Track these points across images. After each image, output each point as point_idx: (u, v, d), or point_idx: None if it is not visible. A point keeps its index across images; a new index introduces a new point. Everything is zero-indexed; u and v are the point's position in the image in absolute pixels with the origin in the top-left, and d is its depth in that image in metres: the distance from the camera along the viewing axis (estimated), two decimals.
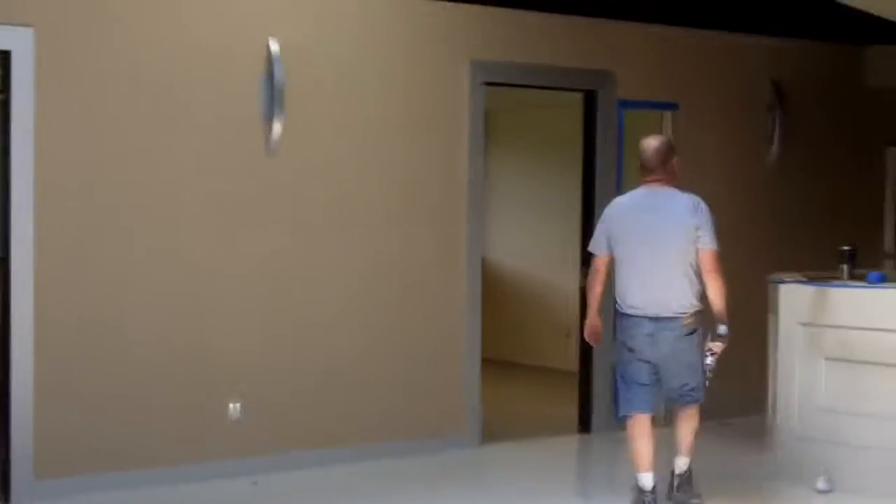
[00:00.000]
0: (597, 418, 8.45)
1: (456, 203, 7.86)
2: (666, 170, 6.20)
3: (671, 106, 8.84)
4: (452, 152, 7.84)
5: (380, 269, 7.59)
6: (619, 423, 6.64)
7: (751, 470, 7.26)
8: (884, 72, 10.07)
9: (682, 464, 6.32)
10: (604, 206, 6.64)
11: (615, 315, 6.36)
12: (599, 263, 6.29)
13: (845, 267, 6.76)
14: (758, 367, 7.55)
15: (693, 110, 8.91)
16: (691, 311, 6.09)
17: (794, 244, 9.20)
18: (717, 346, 6.06)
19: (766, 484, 6.98)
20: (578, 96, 8.57)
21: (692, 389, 6.14)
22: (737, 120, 9.20)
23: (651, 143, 6.31)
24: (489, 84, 7.95)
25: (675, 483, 6.34)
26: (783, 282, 6.85)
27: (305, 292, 7.29)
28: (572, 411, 8.58)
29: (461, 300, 7.88)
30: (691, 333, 6.08)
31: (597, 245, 6.31)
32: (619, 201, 6.39)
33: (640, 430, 6.15)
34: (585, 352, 8.47)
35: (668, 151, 6.25)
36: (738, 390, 7.81)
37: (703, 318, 6.16)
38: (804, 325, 6.74)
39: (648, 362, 6.13)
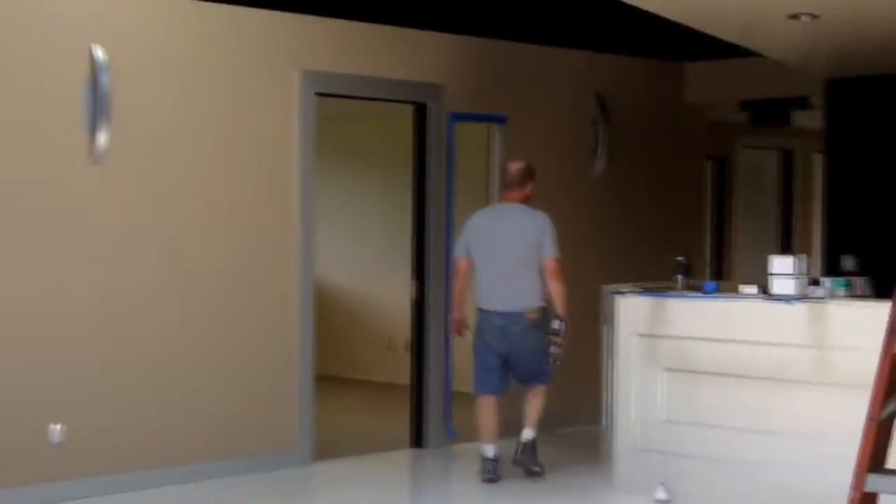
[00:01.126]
0: (430, 433, 8.37)
1: (288, 217, 7.67)
2: (522, 190, 7.36)
3: (500, 119, 8.85)
4: (284, 164, 7.66)
5: (209, 285, 7.35)
6: (453, 437, 8.05)
7: (588, 480, 7.29)
8: (702, 88, 10.32)
9: (527, 434, 7.26)
10: (434, 218, 8.22)
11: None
12: (459, 266, 7.40)
13: (681, 277, 6.84)
14: (591, 378, 7.60)
15: (522, 123, 8.93)
16: (535, 307, 7.17)
17: (621, 255, 9.32)
18: (558, 339, 7.10)
19: (604, 495, 7.00)
20: (410, 108, 8.49)
21: (536, 373, 7.24)
22: (564, 133, 9.28)
23: (514, 165, 7.45)
24: (321, 95, 7.80)
25: (520, 450, 7.25)
26: (620, 293, 6.89)
27: (131, 307, 7.01)
28: (404, 426, 8.48)
29: (294, 315, 7.69)
30: (535, 327, 7.16)
31: (457, 251, 7.46)
32: (478, 214, 7.48)
33: (485, 408, 7.27)
34: (418, 366, 8.40)
35: (526, 175, 7.38)
36: (572, 401, 7.84)
37: (547, 314, 7.20)
38: (642, 335, 6.79)
39: (497, 352, 7.19)
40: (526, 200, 7.34)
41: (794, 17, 7.32)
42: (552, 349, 7.13)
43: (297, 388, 7.70)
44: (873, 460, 4.03)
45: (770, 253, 13.04)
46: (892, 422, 4.11)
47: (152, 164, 7.12)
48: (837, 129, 9.43)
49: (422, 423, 8.39)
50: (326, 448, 7.90)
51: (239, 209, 7.48)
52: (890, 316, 3.07)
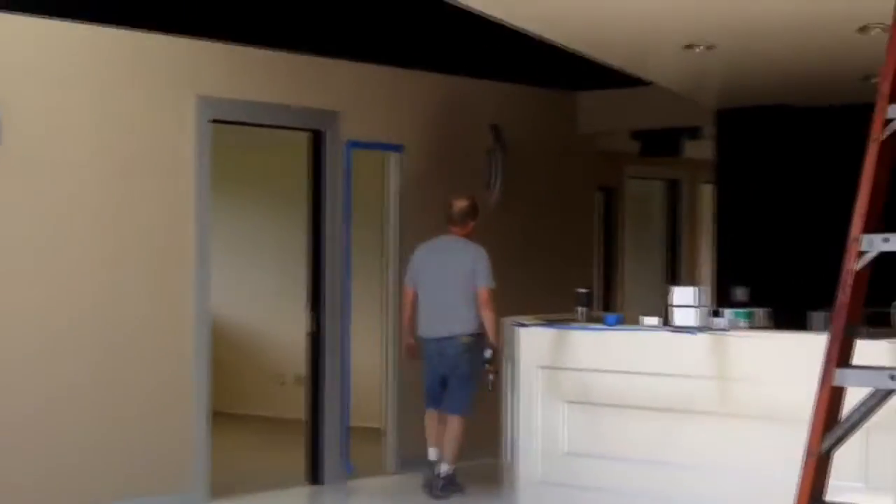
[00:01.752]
0: (327, 469, 8.20)
1: (182, 249, 7.46)
2: (464, 226, 7.80)
3: (397, 147, 8.77)
4: (178, 194, 7.46)
5: (98, 320, 7.09)
6: (350, 473, 8.23)
7: None
8: (594, 117, 10.37)
9: (443, 469, 7.60)
10: (330, 248, 8.20)
11: None
12: (406, 295, 7.92)
13: (582, 309, 6.82)
14: (493, 411, 7.53)
15: (418, 152, 8.87)
16: (468, 332, 7.55)
17: (517, 287, 9.26)
18: (490, 367, 7.39)
19: None
20: (306, 135, 8.37)
21: (455, 401, 7.59)
22: (460, 163, 9.22)
23: (458, 203, 7.83)
24: (216, 122, 7.63)
25: (440, 485, 7.57)
26: (523, 325, 6.84)
27: (17, 347, 6.74)
28: (299, 462, 8.30)
29: (188, 352, 7.46)
30: (468, 352, 7.53)
31: (406, 280, 7.94)
32: (421, 247, 7.89)
33: (429, 420, 7.75)
34: (313, 400, 8.23)
35: (468, 213, 7.83)
36: (474, 434, 7.75)
37: (481, 342, 7.53)
38: (544, 368, 6.75)
39: (438, 372, 7.65)
40: (468, 235, 7.80)
41: (690, 47, 7.39)
42: (490, 377, 7.43)
43: (193, 426, 7.48)
44: (812, 495, 4.00)
45: (656, 283, 13.25)
46: (830, 455, 4.08)
47: (41, 193, 6.87)
48: (728, 160, 9.53)
49: (318, 458, 8.22)
50: (222, 486, 7.68)
51: (129, 240, 7.25)
52: (827, 348, 3.04)
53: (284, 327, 9.85)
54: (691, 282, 14.03)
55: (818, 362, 5.65)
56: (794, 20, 6.69)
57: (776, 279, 8.97)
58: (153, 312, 7.34)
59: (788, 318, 7.04)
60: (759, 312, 6.26)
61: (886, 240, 2.61)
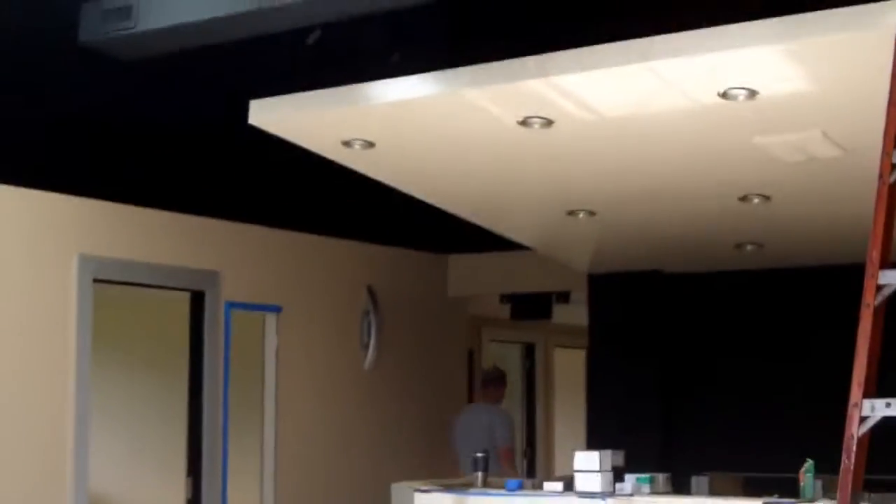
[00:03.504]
0: None
1: (60, 420, 7.14)
2: (491, 393, 9.20)
3: (275, 308, 8.67)
4: (58, 355, 7.20)
5: None
6: None
7: None
8: (464, 281, 10.46)
9: None
10: (210, 410, 8.04)
11: None
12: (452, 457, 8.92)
13: (480, 474, 6.75)
14: None
15: (296, 313, 8.79)
16: None
17: (395, 449, 9.19)
18: None
19: None
20: (186, 296, 8.22)
21: None
22: (337, 324, 9.18)
23: (491, 372, 9.39)
24: (99, 281, 7.43)
25: None
26: (422, 490, 6.72)
27: None
28: None
29: None
30: None
31: (451, 446, 9.04)
32: (459, 413, 9.22)
33: None
34: None
35: (498, 381, 9.27)
36: None
37: None
38: None
39: None
40: (498, 400, 9.16)
41: (573, 213, 7.55)
42: None
43: None
44: None
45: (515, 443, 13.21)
46: None
47: None
48: (600, 323, 9.68)
49: None
50: None
51: (8, 405, 6.93)
52: None
53: (171, 497, 9.44)
54: (547, 443, 14.15)
55: None
56: (678, 188, 6.91)
57: (649, 443, 9.05)
58: (26, 494, 6.94)
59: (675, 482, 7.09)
60: (659, 477, 6.29)
61: (889, 404, 2.66)
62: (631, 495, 6.07)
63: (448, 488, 6.69)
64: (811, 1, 4.67)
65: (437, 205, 7.41)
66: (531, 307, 10.64)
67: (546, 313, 10.72)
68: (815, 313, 8.87)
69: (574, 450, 6.36)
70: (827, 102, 5.35)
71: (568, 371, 14.96)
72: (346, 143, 6.21)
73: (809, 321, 8.89)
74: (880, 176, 2.97)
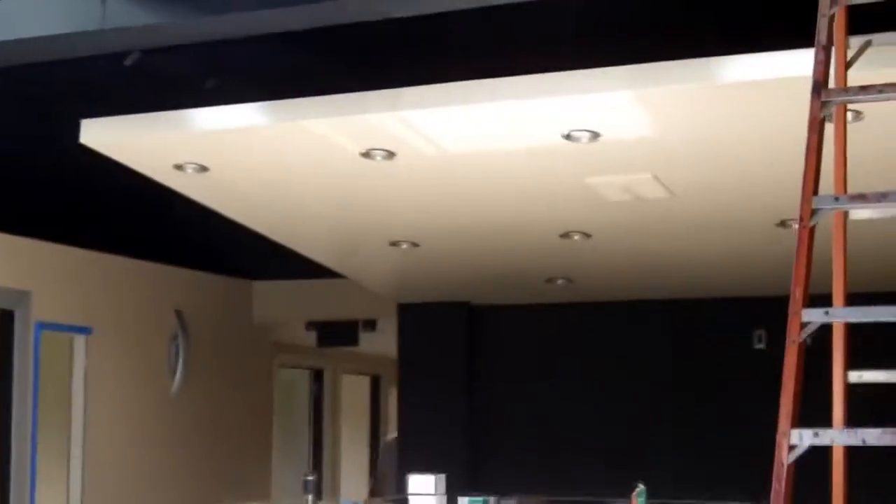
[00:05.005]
0: None
1: None
2: None
3: (84, 330, 8.50)
4: None
5: None
6: None
7: None
8: (269, 307, 10.46)
9: None
10: (19, 433, 7.65)
11: None
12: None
13: (310, 497, 6.76)
14: None
15: (106, 335, 8.65)
16: None
17: (202, 474, 9.10)
18: None
19: None
20: None
21: None
22: (147, 347, 9.05)
23: None
24: None
25: None
26: None
27: None
28: None
29: None
30: None
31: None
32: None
33: None
34: None
35: None
36: None
37: None
38: None
39: None
40: None
41: (395, 244, 7.67)
42: None
43: None
44: None
45: (303, 469, 13.31)
46: None
47: None
48: (408, 352, 9.83)
49: None
50: None
51: None
52: None
53: None
54: (334, 468, 14.19)
55: None
56: (506, 223, 7.12)
57: (456, 469, 9.23)
58: None
59: None
60: (491, 500, 6.45)
61: (816, 434, 2.87)
62: None
63: None
64: (662, 49, 4.93)
65: (266, 234, 7.42)
66: (337, 334, 10.71)
67: (352, 340, 10.81)
68: (620, 344, 9.24)
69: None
70: (662, 148, 5.63)
71: (354, 397, 15.11)
72: (179, 167, 6.17)
73: (614, 351, 9.26)
74: (801, 220, 3.20)
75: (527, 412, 9.46)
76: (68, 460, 8.39)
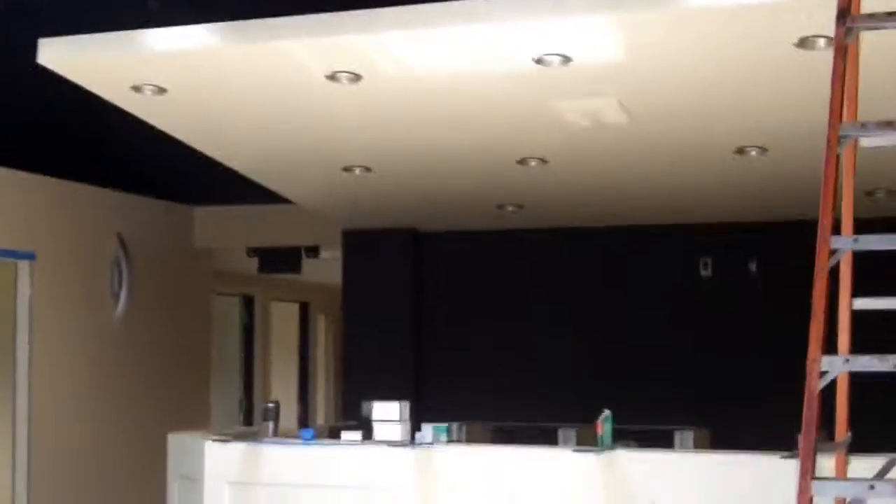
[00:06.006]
0: None
1: None
2: None
3: (29, 255, 8.34)
4: None
5: None
6: None
7: None
8: (210, 233, 10.35)
9: None
10: None
11: None
12: None
13: (270, 424, 6.72)
14: None
15: (50, 261, 8.50)
16: None
17: (147, 399, 9.05)
18: None
19: None
20: None
21: None
22: (91, 272, 8.92)
23: None
24: None
25: None
26: (211, 440, 6.65)
27: None
28: None
29: None
30: None
31: None
32: None
33: None
34: None
35: None
36: None
37: None
38: (233, 484, 6.58)
39: None
40: None
41: (348, 169, 7.61)
42: None
43: None
44: None
45: (235, 396, 13.27)
46: None
47: None
48: (353, 279, 9.78)
49: None
50: None
51: None
52: (801, 462, 3.06)
53: None
54: (265, 395, 14.13)
55: (521, 473, 5.97)
56: (463, 147, 7.09)
57: (402, 396, 9.24)
58: None
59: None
60: (454, 426, 6.48)
61: (847, 361, 2.90)
62: (431, 444, 6.20)
63: (240, 438, 6.65)
64: None
65: (219, 159, 7.31)
66: (279, 261, 10.63)
67: (295, 267, 10.73)
68: (568, 271, 9.30)
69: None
70: (629, 72, 5.63)
71: (283, 324, 15.08)
72: (137, 89, 6.04)
73: (562, 278, 9.31)
74: (828, 146, 3.20)
75: (474, 339, 9.48)
76: (14, 386, 8.26)
